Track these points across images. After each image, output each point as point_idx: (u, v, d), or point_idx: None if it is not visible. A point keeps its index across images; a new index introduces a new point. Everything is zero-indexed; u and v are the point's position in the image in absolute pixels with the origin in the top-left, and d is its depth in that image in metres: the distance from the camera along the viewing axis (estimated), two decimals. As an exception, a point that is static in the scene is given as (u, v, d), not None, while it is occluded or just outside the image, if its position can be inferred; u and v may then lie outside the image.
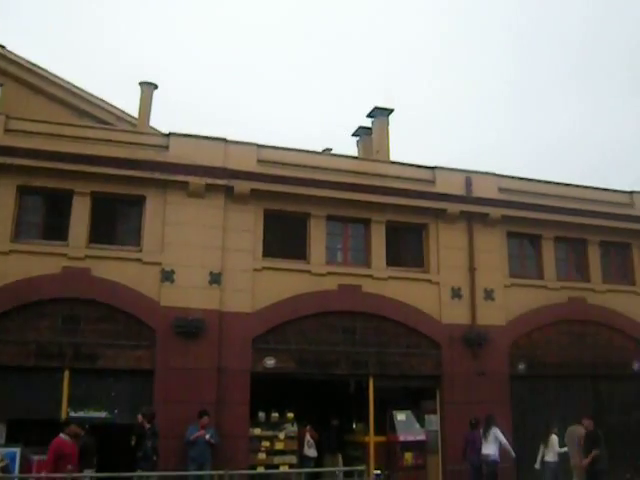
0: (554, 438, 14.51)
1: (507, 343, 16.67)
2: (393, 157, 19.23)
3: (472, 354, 16.17)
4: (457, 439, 15.12)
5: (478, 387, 15.96)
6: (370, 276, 15.82)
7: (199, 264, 14.33)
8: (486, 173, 17.39)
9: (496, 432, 13.91)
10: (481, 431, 14.11)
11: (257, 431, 14.95)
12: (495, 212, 16.94)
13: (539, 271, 17.80)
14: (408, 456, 15.74)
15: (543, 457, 14.58)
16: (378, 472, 14.65)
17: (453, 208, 16.57)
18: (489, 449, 13.83)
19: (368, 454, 15.49)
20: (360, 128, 21.79)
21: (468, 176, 17.02)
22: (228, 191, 14.86)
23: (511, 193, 17.39)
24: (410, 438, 15.80)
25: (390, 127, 20.61)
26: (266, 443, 15.05)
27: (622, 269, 19.14)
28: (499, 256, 17.15)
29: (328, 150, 18.72)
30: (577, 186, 18.56)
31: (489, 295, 16.64)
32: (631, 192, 19.41)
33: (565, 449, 14.56)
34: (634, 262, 19.01)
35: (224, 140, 15.13)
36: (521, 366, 16.86)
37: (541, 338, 17.34)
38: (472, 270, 16.56)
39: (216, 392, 13.86)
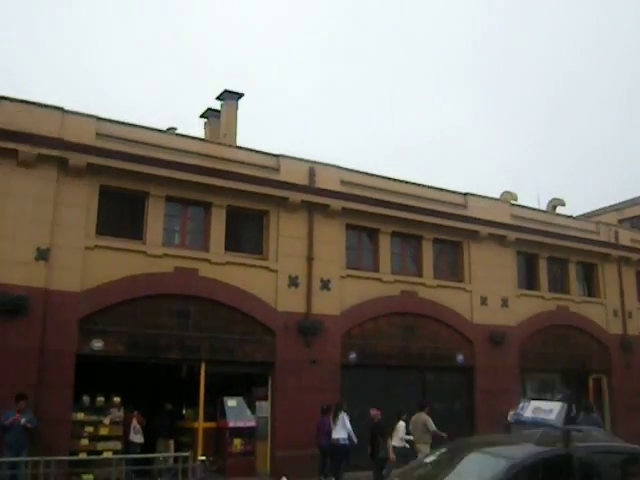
0: (401, 425, 15.37)
1: (340, 332, 17.51)
2: (242, 142, 19.49)
3: (305, 342, 16.84)
4: (287, 426, 15.77)
5: (310, 375, 16.70)
6: (207, 260, 16.00)
7: (25, 238, 13.86)
8: (330, 165, 18.11)
9: (344, 418, 14.79)
10: (331, 417, 14.81)
11: (80, 416, 14.70)
12: (336, 204, 17.69)
13: (375, 264, 18.79)
14: (237, 442, 16.12)
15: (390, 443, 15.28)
16: (203, 458, 14.86)
17: (295, 197, 17.12)
18: (339, 433, 14.65)
19: (197, 440, 15.68)
20: (209, 110, 21.83)
21: (312, 166, 17.65)
22: (62, 163, 14.46)
23: (353, 186, 18.23)
24: (240, 424, 16.17)
25: (245, 112, 21.14)
26: (90, 428, 14.82)
27: (453, 266, 20.66)
28: (337, 247, 17.93)
29: (172, 129, 18.64)
30: (416, 184, 19.75)
31: (325, 285, 17.37)
32: (465, 194, 20.92)
33: (411, 436, 15.41)
34: (464, 260, 20.53)
35: (61, 109, 14.68)
36: (352, 355, 17.74)
37: (373, 329, 18.36)
38: (310, 260, 17.22)
39: (37, 374, 13.50)
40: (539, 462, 6.56)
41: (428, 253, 19.83)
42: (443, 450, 8.12)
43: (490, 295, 20.64)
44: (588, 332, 23.40)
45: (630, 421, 22.52)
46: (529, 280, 22.58)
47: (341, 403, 15.17)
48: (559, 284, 23.41)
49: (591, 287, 24.54)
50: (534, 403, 10.55)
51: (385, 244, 18.96)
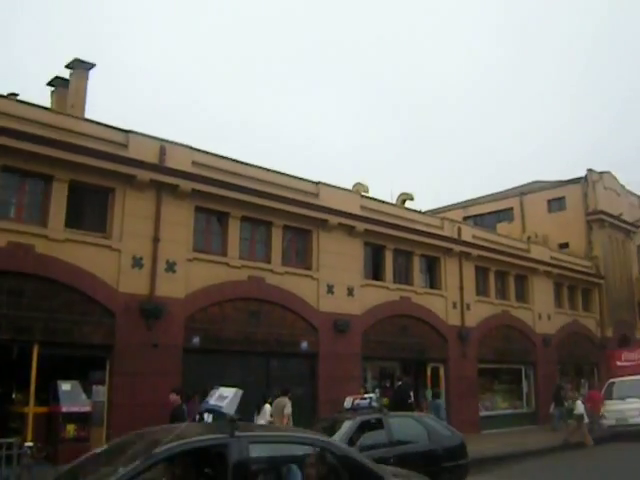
0: (267, 407, 16.05)
1: (184, 316, 17.55)
2: (94, 116, 18.88)
3: (147, 325, 16.75)
4: (125, 411, 15.64)
5: (151, 359, 16.61)
6: (45, 236, 15.45)
7: None
8: (181, 145, 18.09)
9: (267, 409, 15.79)
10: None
11: None
12: (186, 185, 17.69)
13: (223, 248, 18.96)
14: (71, 428, 15.73)
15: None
16: (30, 445, 14.40)
17: (143, 176, 16.94)
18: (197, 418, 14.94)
19: (27, 426, 15.20)
20: (56, 78, 20.92)
21: (163, 145, 17.55)
22: None
23: (204, 168, 18.31)
24: (74, 409, 15.77)
25: (95, 83, 20.23)
26: None
27: (302, 254, 21.27)
28: (185, 229, 17.95)
29: (13, 95, 17.76)
30: (268, 170, 20.14)
31: (171, 267, 17.35)
32: (317, 183, 21.57)
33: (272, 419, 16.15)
34: (313, 248, 21.16)
35: None
36: (196, 339, 17.84)
37: (219, 313, 18.55)
38: (156, 241, 17.12)
39: None
40: (184, 453, 6.36)
41: (277, 240, 20.25)
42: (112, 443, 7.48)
43: (337, 284, 21.44)
44: (428, 323, 24.89)
45: (464, 408, 24.31)
46: (375, 270, 23.65)
47: (206, 389, 15.45)
48: (403, 275, 24.70)
49: (433, 279, 26.08)
50: (221, 390, 12.21)
51: (234, 228, 19.17)
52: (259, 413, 16.35)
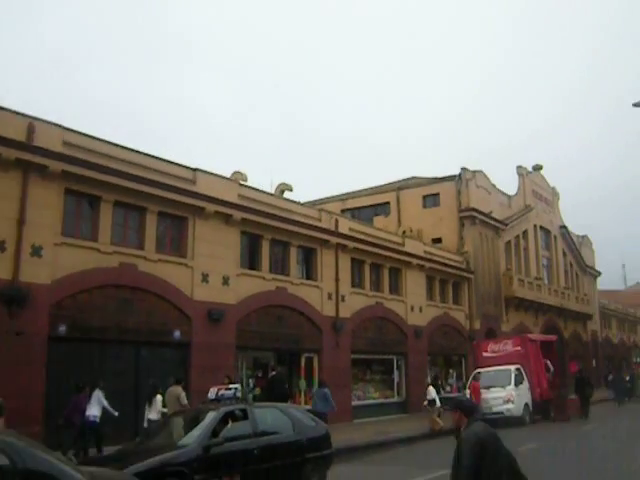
0: (159, 398, 16.20)
1: (50, 303, 16.97)
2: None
3: (10, 312, 16.09)
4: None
5: (12, 347, 15.93)
6: None
7: None
8: (52, 123, 17.46)
9: (99, 395, 15.73)
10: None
11: None
12: (55, 166, 17.08)
13: (94, 233, 18.44)
14: None
15: (147, 416, 16.30)
16: None
17: (8, 154, 16.21)
18: (91, 410, 15.53)
19: None
20: None
21: (32, 123, 16.88)
22: None
23: (76, 149, 17.74)
24: None
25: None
26: None
27: (177, 241, 21.05)
28: (53, 212, 17.32)
29: None
30: (144, 154, 19.80)
31: (36, 252, 16.71)
32: (195, 169, 21.41)
33: (165, 409, 16.24)
34: (188, 236, 21.00)
35: None
36: (62, 328, 17.30)
37: (88, 301, 18.07)
38: (21, 223, 16.42)
39: None
40: None
41: (152, 226, 19.94)
42: None
43: (212, 273, 21.40)
44: (303, 313, 25.33)
45: (337, 398, 24.70)
46: (251, 260, 23.78)
47: (97, 382, 15.96)
48: (280, 266, 24.97)
49: (309, 270, 26.53)
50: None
51: (107, 213, 18.69)
52: (150, 405, 16.37)
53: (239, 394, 12.83)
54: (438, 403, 23.70)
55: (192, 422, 11.83)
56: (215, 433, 11.01)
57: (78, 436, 15.64)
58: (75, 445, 15.58)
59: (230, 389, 12.87)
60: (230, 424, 11.47)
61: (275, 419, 12.61)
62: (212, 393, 13.00)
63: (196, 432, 11.06)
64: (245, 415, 11.87)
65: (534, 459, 14.92)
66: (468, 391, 25.66)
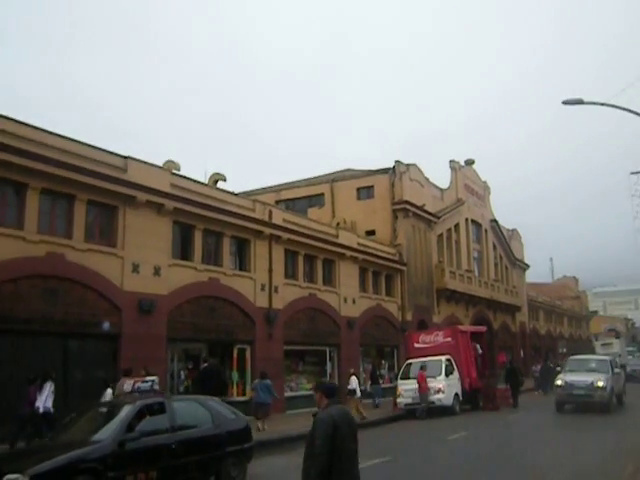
0: (109, 392, 16.16)
1: (-27, 294, 16.49)
2: None
3: None
4: None
5: None
6: None
7: None
8: (-24, 108, 16.90)
9: (51, 386, 15.80)
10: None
11: None
12: (-22, 151, 16.57)
13: (19, 221, 17.95)
14: None
15: None
16: None
17: None
18: (46, 402, 15.61)
19: None
20: None
21: (-48, 107, 16.31)
22: None
23: (1, 135, 17.20)
24: None
25: None
26: None
27: (106, 231, 20.68)
28: (-24, 199, 16.82)
29: None
30: (72, 140, 19.37)
31: (-42, 239, 16.20)
32: (126, 157, 21.08)
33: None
34: (118, 225, 20.68)
35: None
36: (-16, 319, 16.84)
37: (13, 291, 17.60)
38: (-59, 210, 15.91)
39: None
40: None
41: (80, 215, 19.53)
42: None
43: (143, 263, 21.14)
44: (236, 304, 25.28)
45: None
46: (184, 250, 23.59)
47: (48, 372, 16.00)
48: (213, 256, 24.87)
49: (243, 261, 26.49)
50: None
51: (33, 201, 18.20)
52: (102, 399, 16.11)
53: (156, 386, 12.66)
54: (358, 394, 24.09)
55: (107, 416, 11.53)
56: (131, 427, 10.65)
57: (23, 427, 15.60)
58: (22, 435, 15.59)
59: (147, 381, 12.58)
60: (147, 418, 11.10)
61: (194, 412, 12.27)
62: (128, 386, 12.76)
63: (110, 426, 10.74)
64: (163, 408, 11.55)
65: (461, 446, 15.37)
66: (415, 381, 26.04)
